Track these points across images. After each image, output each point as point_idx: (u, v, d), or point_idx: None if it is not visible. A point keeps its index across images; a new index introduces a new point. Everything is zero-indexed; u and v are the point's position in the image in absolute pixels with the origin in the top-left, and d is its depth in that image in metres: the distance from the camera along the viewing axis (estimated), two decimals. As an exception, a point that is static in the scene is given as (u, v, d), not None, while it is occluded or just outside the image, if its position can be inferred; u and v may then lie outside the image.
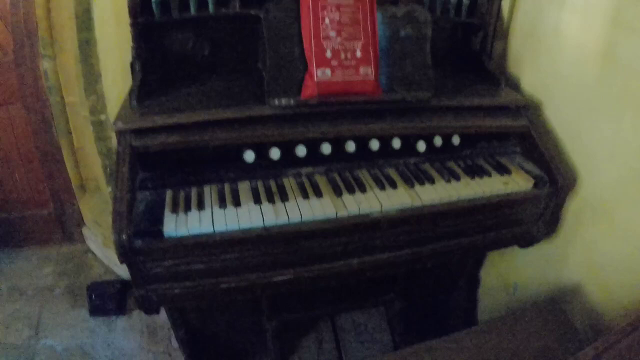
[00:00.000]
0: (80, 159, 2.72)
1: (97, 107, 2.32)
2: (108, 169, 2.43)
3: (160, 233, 1.24)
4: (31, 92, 2.53)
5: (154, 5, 1.51)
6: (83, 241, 2.91)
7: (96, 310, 2.44)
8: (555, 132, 1.77)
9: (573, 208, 1.72)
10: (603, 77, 1.55)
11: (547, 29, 1.77)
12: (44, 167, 2.69)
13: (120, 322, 2.42)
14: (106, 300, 2.42)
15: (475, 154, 1.72)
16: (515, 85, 1.93)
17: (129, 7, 1.46)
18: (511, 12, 1.95)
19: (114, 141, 2.16)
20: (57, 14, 2.37)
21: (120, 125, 1.34)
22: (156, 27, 1.57)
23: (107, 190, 2.54)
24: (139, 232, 1.23)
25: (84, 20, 2.13)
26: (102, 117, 2.32)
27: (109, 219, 2.04)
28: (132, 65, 1.57)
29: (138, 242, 1.20)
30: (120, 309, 2.45)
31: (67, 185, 2.75)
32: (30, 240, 2.89)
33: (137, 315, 2.43)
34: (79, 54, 2.21)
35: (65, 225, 2.89)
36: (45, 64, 2.45)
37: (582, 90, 1.64)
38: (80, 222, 2.87)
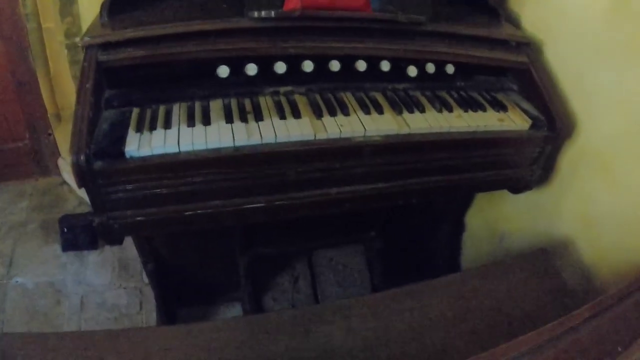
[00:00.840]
0: (55, 86, 2.60)
1: (72, 30, 2.19)
2: (81, 94, 2.28)
3: (121, 153, 1.12)
4: (8, 20, 2.38)
5: None
6: (59, 173, 2.81)
7: (68, 244, 2.36)
8: (556, 75, 1.63)
9: (569, 157, 1.61)
10: (612, 22, 1.42)
11: None
12: (20, 97, 2.56)
13: (92, 257, 2.34)
14: (78, 233, 2.33)
15: (470, 86, 1.59)
16: (515, 22, 1.78)
17: None
18: None
19: (88, 64, 2.04)
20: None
21: (87, 40, 1.21)
22: None
23: (81, 117, 2.39)
24: (99, 152, 1.11)
25: None
26: (77, 40, 2.13)
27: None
28: None
29: (98, 164, 1.09)
30: (92, 244, 2.36)
31: (43, 115, 2.63)
32: (5, 176, 2.78)
33: (109, 250, 2.36)
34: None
35: (41, 158, 2.79)
36: (23, -10, 2.36)
37: (588, 34, 1.51)
38: (56, 153, 2.77)
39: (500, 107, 1.52)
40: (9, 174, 2.78)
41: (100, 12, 1.32)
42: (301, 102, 1.34)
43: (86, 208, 2.57)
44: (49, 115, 2.64)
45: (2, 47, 2.42)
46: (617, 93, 1.42)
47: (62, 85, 2.58)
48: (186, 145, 1.15)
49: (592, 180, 1.53)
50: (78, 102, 1.15)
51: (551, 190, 1.71)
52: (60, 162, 2.77)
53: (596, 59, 1.48)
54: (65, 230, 2.34)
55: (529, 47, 1.63)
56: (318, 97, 1.37)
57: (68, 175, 2.73)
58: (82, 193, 2.58)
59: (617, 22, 1.40)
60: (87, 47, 1.23)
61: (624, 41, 1.38)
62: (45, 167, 2.81)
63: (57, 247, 2.38)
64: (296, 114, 1.28)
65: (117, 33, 1.22)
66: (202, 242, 1.86)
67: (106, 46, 1.22)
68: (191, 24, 1.25)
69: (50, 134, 2.70)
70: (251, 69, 1.30)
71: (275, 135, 1.20)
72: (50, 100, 2.62)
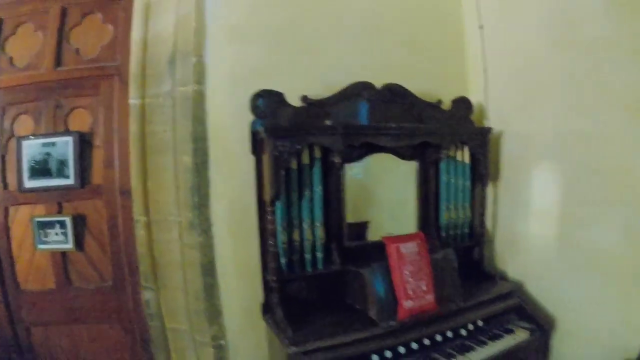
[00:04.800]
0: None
1: (218, 335, 3.63)
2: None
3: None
4: (130, 315, 3.77)
5: (283, 266, 3.27)
6: None
7: None
8: (536, 298, 3.77)
9: (557, 337, 3.71)
10: (562, 253, 3.61)
11: (519, 234, 3.91)
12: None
13: None
14: None
15: (492, 327, 3.57)
16: (503, 275, 3.99)
17: (271, 268, 3.25)
18: (493, 228, 4.10)
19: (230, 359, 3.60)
20: (162, 256, 3.67)
21: (294, 349, 2.87)
22: (284, 281, 3.32)
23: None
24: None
25: (208, 269, 3.54)
26: (222, 342, 3.66)
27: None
28: (265, 306, 3.46)
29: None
30: None
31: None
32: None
33: None
34: (203, 294, 3.53)
35: None
36: (147, 295, 3.68)
37: (548, 268, 3.68)
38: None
39: (511, 332, 3.48)
40: None
41: (281, 329, 3.09)
42: (417, 366, 3.09)
43: None
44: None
45: (123, 337, 3.84)
46: (574, 296, 3.56)
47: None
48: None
49: (574, 345, 3.66)
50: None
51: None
52: None
53: (558, 280, 3.62)
54: None
55: (517, 291, 3.74)
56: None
57: None
58: None
59: (565, 251, 3.60)
60: (295, 354, 2.89)
61: (571, 264, 3.54)
62: None
63: None
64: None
65: (311, 344, 2.95)
66: None
67: (306, 352, 2.92)
68: (355, 334, 3.05)
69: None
70: (388, 354, 3.08)
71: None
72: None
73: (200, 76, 3.54)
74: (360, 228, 3.87)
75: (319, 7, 3.83)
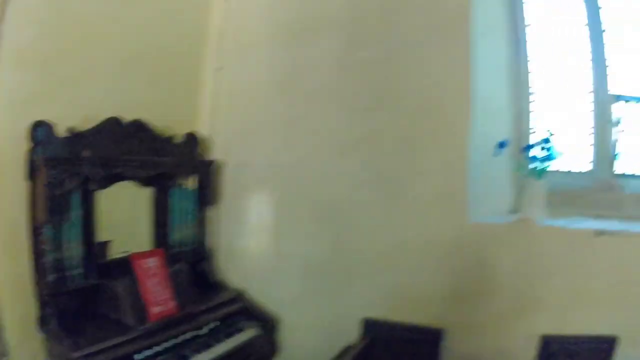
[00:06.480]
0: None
1: (3, 352, 3.58)
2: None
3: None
4: None
5: (53, 282, 3.59)
6: None
7: None
8: (260, 301, 4.65)
9: (283, 331, 4.69)
10: (278, 265, 4.72)
11: (240, 248, 4.91)
12: None
13: None
14: None
15: (225, 327, 4.35)
16: (227, 284, 4.80)
17: (43, 284, 3.59)
18: (217, 244, 4.96)
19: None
20: None
21: (77, 354, 3.04)
22: (55, 296, 3.66)
23: None
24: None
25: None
26: (6, 358, 3.54)
27: None
28: (41, 320, 3.68)
29: None
30: None
31: None
32: None
33: None
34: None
35: None
36: None
37: (267, 275, 4.73)
38: None
39: (242, 330, 4.38)
40: None
41: (59, 338, 3.27)
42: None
43: None
44: None
45: None
46: (292, 297, 4.70)
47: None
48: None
49: (294, 337, 4.73)
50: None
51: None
52: None
53: (274, 285, 4.80)
54: None
55: (241, 296, 4.64)
56: (174, 355, 3.87)
57: None
58: None
59: (280, 261, 4.77)
60: (77, 358, 3.07)
61: (287, 268, 4.75)
62: None
63: None
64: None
65: (89, 348, 3.34)
66: None
67: (87, 356, 3.22)
68: (119, 338, 3.53)
69: None
70: (148, 353, 3.67)
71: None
72: None
73: (-16, 101, 3.44)
74: (105, 246, 4.37)
75: (87, 39, 4.15)
